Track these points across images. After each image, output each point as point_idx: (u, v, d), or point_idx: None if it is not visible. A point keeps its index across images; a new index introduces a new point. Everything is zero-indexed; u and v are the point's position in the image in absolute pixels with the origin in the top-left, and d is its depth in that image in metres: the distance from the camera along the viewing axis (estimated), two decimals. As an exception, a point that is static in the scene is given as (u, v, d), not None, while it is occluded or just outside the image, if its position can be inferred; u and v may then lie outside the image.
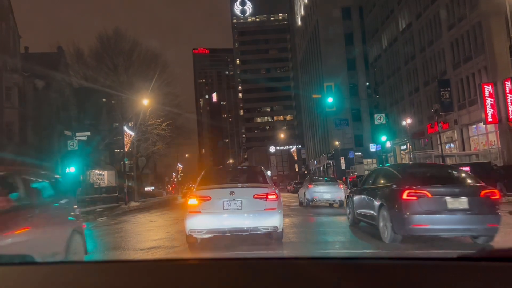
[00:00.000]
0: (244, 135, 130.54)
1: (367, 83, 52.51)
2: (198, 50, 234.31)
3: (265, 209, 6.81)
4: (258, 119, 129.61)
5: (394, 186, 7.04)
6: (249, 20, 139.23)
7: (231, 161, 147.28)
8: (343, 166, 38.59)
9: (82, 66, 40.41)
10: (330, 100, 24.77)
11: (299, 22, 77.04)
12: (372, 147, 47.15)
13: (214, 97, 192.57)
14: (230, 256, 6.12)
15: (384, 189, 7.46)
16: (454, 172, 7.73)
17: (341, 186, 17.55)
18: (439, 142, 26.54)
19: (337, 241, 8.07)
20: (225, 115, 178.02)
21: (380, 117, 23.85)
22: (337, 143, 42.22)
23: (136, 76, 37.68)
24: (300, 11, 74.57)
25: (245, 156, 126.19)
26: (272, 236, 7.38)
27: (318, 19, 56.51)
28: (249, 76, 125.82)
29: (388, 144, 27.05)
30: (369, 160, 47.72)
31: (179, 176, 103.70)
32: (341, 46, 53.23)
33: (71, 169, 24.96)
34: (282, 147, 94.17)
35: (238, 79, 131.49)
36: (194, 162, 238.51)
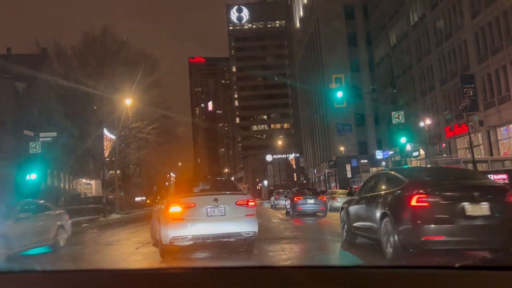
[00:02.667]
0: (240, 144, 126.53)
1: (372, 86, 48.90)
2: (195, 59, 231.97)
3: (246, 215, 7.13)
4: (255, 127, 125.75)
5: (399, 191, 5.86)
6: (246, 27, 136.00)
7: (226, 170, 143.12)
8: (349, 175, 34.59)
9: (65, 66, 37.09)
10: (339, 94, 21.06)
11: (298, 24, 73.70)
12: (379, 154, 43.33)
13: (210, 105, 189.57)
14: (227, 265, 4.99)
15: (387, 196, 6.20)
16: (469, 173, 6.96)
17: (323, 198, 18.71)
18: (466, 146, 22.72)
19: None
20: (221, 124, 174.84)
21: (399, 115, 20.03)
22: (342, 148, 38.32)
23: (123, 76, 33.82)
24: (299, 13, 71.26)
25: (241, 166, 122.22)
26: (246, 242, 7.42)
27: (319, 18, 53.08)
28: (246, 83, 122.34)
29: (409, 147, 23.29)
30: (374, 168, 43.81)
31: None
32: (344, 46, 49.69)
33: (32, 176, 20.89)
34: (280, 156, 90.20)
35: (234, 86, 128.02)
36: (190, 171, 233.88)
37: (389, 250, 5.63)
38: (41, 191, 23.05)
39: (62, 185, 41.57)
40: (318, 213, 17.85)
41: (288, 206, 19.29)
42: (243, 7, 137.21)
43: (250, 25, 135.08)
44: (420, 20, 33.18)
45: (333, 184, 51.37)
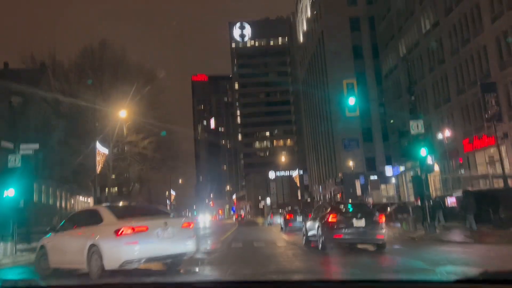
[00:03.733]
0: (242, 161, 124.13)
1: (381, 100, 46.89)
2: (197, 76, 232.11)
3: (190, 236, 7.91)
4: (257, 144, 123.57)
5: (327, 214, 11.55)
6: (248, 45, 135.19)
7: (228, 188, 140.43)
8: (358, 192, 32.06)
9: (62, 80, 35.52)
10: (351, 101, 19.00)
11: (301, 39, 72.38)
12: (388, 171, 41.04)
13: (212, 123, 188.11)
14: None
15: (322, 216, 11.77)
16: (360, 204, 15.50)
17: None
18: (487, 160, 20.44)
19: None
20: (224, 141, 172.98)
21: (418, 124, 17.93)
22: (351, 164, 35.95)
23: (120, 90, 31.96)
24: (302, 27, 69.99)
25: (243, 183, 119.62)
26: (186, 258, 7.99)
27: (324, 31, 51.54)
28: (248, 100, 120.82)
29: (430, 161, 21.03)
30: (383, 185, 41.50)
31: (172, 204, 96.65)
32: (349, 59, 47.97)
33: (10, 192, 18.69)
34: (283, 173, 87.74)
35: (237, 103, 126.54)
36: (191, 189, 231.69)
37: (320, 245, 11.18)
38: (22, 209, 20.79)
39: (58, 203, 39.37)
40: None
41: (282, 223, 23.30)
42: (245, 24, 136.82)
43: (253, 42, 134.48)
44: (433, 27, 31.35)
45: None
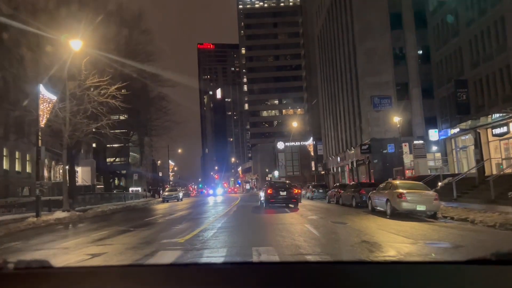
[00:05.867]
0: (249, 131, 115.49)
1: (419, 52, 37.63)
2: (203, 45, 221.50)
3: None
4: (265, 113, 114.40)
5: (265, 189, 23.58)
6: (257, 5, 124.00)
7: (233, 160, 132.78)
8: (406, 158, 23.08)
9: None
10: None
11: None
12: (432, 135, 32.24)
13: (219, 93, 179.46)
14: None
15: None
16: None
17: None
18: None
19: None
20: (230, 113, 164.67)
21: None
22: (397, 120, 26.65)
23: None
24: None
25: (250, 155, 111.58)
26: None
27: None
28: (256, 64, 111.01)
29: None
30: (429, 154, 32.75)
31: (171, 176, 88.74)
32: (381, -3, 38.38)
33: None
34: (293, 143, 79.24)
35: (244, 70, 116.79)
36: (197, 161, 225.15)
37: (264, 204, 22.58)
38: None
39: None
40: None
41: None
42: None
43: (262, 3, 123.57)
44: None
45: (364, 176, 40.45)
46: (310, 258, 6.47)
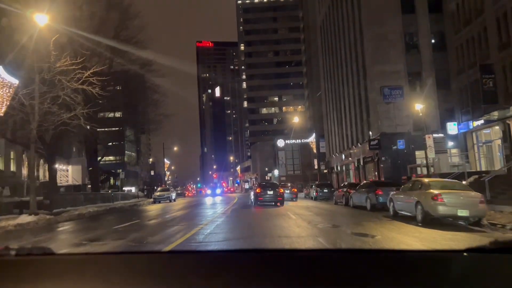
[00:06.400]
0: (248, 130, 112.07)
1: (432, 39, 34.43)
2: (202, 43, 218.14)
3: None
4: (264, 110, 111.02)
5: (254, 187, 29.72)
6: (256, 0, 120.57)
7: (232, 158, 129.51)
8: (430, 153, 19.99)
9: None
10: None
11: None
12: (451, 128, 28.99)
13: (218, 91, 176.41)
14: None
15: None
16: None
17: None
18: None
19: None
20: (229, 111, 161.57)
21: None
22: (418, 107, 23.26)
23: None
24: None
25: (249, 154, 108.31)
26: None
27: None
28: (255, 60, 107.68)
29: None
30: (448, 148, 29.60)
31: (167, 174, 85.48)
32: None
33: None
34: (293, 141, 76.09)
35: (243, 67, 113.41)
36: (196, 160, 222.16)
37: (253, 203, 24.26)
38: None
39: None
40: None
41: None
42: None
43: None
44: None
45: (374, 174, 37.25)
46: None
